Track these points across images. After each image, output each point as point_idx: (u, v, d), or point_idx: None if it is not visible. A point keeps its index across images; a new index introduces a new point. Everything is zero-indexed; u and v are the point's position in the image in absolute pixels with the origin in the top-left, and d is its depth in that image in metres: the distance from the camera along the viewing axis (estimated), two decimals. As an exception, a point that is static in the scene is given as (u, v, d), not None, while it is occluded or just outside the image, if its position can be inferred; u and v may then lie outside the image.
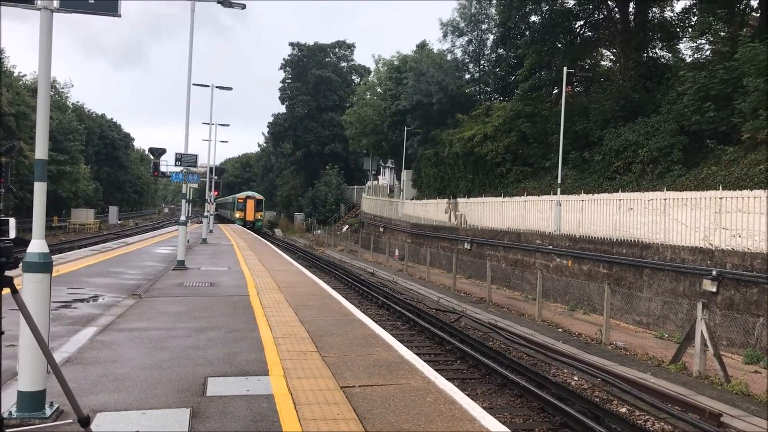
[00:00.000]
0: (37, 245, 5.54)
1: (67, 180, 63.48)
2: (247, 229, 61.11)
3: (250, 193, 75.60)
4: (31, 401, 5.35)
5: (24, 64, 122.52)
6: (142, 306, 12.22)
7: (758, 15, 27.52)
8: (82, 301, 12.51)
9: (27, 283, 5.42)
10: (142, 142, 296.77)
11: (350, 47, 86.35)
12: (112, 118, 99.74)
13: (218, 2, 22.22)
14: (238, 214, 68.63)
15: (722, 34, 26.09)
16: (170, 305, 12.35)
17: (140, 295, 13.70)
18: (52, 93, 67.26)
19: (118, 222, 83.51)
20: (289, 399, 6.34)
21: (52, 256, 5.87)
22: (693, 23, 31.22)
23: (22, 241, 10.54)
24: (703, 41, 28.09)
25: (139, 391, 6.47)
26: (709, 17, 26.60)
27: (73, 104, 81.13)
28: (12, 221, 4.46)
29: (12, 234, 4.43)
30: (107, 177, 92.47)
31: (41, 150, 5.70)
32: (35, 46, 5.60)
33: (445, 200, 39.93)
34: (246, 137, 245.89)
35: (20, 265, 5.00)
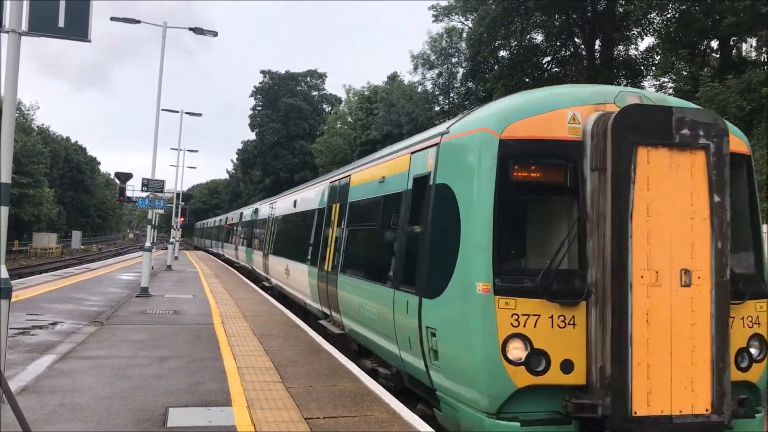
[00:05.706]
0: (-3, 270, 5.42)
1: (29, 203, 62.24)
2: None
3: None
4: (-16, 432, 5.19)
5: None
6: (104, 333, 11.98)
7: (718, 56, 28.49)
8: (41, 327, 12.23)
9: (-16, 309, 5.29)
10: (108, 166, 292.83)
11: (321, 76, 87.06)
12: (77, 141, 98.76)
13: (190, 29, 22.30)
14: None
15: (684, 73, 26.90)
16: (132, 333, 12.13)
17: (102, 322, 13.44)
18: (17, 115, 66.27)
19: (82, 247, 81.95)
20: (252, 431, 6.25)
21: (12, 281, 5.76)
22: (657, 62, 32.13)
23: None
24: (666, 79, 28.93)
25: (97, 421, 6.33)
26: (671, 57, 27.45)
27: (38, 127, 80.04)
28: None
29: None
30: (71, 201, 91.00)
31: (5, 174, 5.61)
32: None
33: None
34: (214, 163, 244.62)
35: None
